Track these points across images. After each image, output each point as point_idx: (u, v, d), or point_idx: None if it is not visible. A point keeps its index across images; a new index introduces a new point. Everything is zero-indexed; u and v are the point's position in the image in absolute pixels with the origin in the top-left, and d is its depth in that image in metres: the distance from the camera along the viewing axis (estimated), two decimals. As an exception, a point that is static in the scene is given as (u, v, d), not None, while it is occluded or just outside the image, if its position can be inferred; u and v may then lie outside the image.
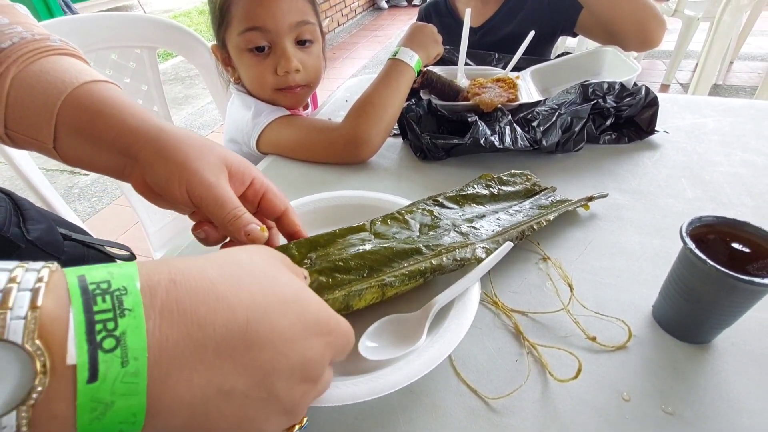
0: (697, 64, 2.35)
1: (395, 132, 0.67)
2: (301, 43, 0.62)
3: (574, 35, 0.85)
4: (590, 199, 0.48)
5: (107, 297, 0.16)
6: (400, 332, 0.33)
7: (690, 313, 0.32)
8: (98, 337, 0.15)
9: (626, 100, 0.60)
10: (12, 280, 0.15)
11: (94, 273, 0.17)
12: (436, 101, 0.62)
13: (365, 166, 0.60)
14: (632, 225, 0.46)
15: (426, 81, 0.65)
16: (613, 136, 0.61)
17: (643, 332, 0.35)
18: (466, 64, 0.76)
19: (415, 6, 4.74)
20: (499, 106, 0.61)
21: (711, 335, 0.33)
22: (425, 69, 0.66)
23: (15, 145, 0.34)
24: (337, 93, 0.88)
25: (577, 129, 0.58)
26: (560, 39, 0.93)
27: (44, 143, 0.33)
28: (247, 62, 0.61)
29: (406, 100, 0.62)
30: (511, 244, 0.39)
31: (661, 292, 0.35)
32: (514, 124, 0.58)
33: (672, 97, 0.73)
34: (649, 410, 0.30)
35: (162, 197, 0.32)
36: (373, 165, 0.60)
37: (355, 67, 3.34)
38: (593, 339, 0.34)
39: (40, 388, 0.14)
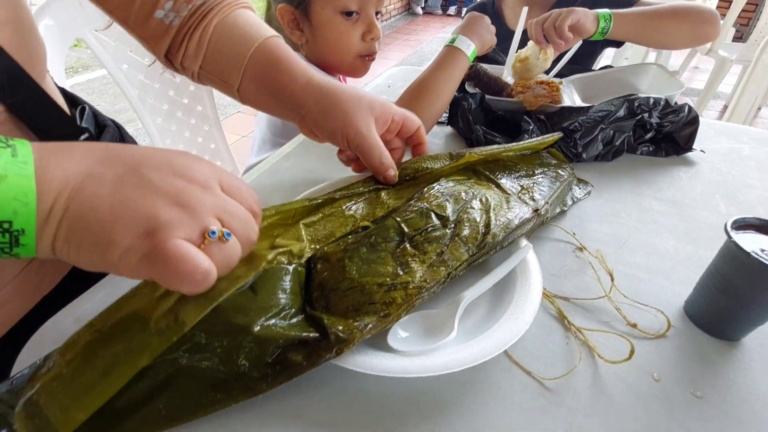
0: (726, 106, 2.35)
1: (440, 120, 0.68)
2: (376, 14, 0.67)
3: (619, 45, 0.86)
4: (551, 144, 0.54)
5: (1, 138, 0.21)
6: (428, 327, 0.33)
7: (725, 308, 0.34)
8: None
9: (669, 117, 0.61)
10: None
11: None
12: (488, 96, 0.64)
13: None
14: (666, 230, 0.48)
15: (473, 74, 0.67)
16: (651, 149, 0.62)
17: (675, 325, 0.36)
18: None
19: (449, 15, 4.79)
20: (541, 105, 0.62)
21: (742, 332, 0.34)
22: (473, 63, 0.68)
23: (200, 82, 0.44)
24: (379, 80, 0.90)
25: (617, 143, 0.60)
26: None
27: (231, 85, 0.42)
28: (338, 25, 0.66)
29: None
30: (530, 246, 0.40)
31: (696, 288, 0.36)
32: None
33: (709, 122, 0.75)
34: (678, 392, 0.31)
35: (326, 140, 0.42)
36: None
37: (385, 68, 3.38)
38: (634, 325, 0.35)
39: None
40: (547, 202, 0.44)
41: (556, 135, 0.54)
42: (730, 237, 0.32)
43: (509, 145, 0.50)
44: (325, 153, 0.56)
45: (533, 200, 0.44)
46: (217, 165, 0.27)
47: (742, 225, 0.34)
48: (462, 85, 0.69)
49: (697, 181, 0.58)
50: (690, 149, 0.62)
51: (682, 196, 0.54)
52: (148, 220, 0.22)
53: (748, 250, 0.30)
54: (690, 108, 0.62)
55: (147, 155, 0.24)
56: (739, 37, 3.84)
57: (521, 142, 0.51)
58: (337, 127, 0.40)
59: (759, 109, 2.87)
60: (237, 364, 0.28)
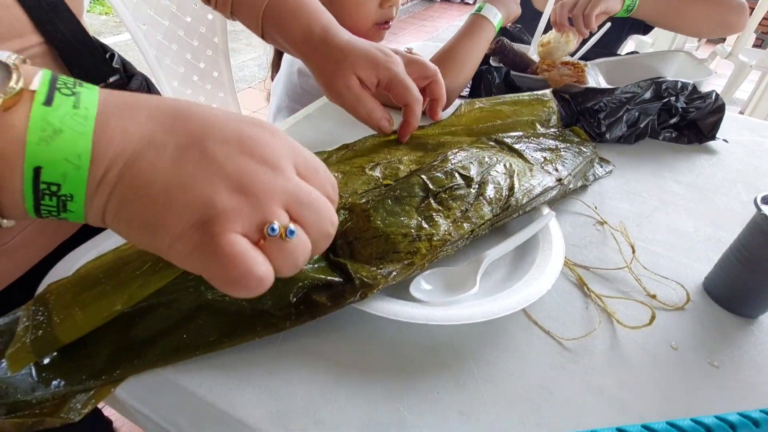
0: (741, 112, 2.33)
1: (462, 93, 0.68)
2: None
3: (645, 32, 0.85)
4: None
5: (72, 80, 0.19)
6: (450, 283, 0.33)
7: (747, 283, 0.33)
8: (59, 86, 0.18)
9: (696, 102, 0.60)
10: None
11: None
12: (513, 72, 0.63)
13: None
14: (687, 212, 0.47)
15: (499, 49, 0.66)
16: (673, 135, 0.62)
17: (694, 300, 0.36)
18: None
19: (467, 4, 4.71)
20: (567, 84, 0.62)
21: (762, 310, 0.34)
22: (499, 38, 0.67)
23: (235, 20, 0.47)
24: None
25: (642, 125, 0.59)
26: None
27: (257, 33, 0.46)
28: None
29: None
30: (553, 214, 0.40)
31: (717, 264, 0.36)
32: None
33: (732, 115, 0.73)
34: (695, 360, 0.31)
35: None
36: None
37: (398, 52, 3.34)
38: (653, 296, 0.35)
39: (9, 90, 0.17)
40: (570, 174, 0.44)
41: (548, 92, 0.56)
42: (759, 210, 0.32)
43: (505, 96, 0.53)
44: (343, 117, 0.55)
45: (556, 171, 0.44)
46: (296, 141, 0.22)
47: (772, 200, 0.33)
48: (486, 59, 0.69)
49: (718, 168, 0.57)
50: (713, 137, 0.61)
51: (704, 181, 0.54)
52: (205, 208, 0.18)
53: (780, 224, 0.30)
54: (717, 95, 0.61)
55: (217, 124, 0.20)
56: (759, 45, 3.78)
57: (517, 94, 0.54)
58: (326, 85, 0.43)
59: (775, 117, 2.83)
60: (261, 301, 0.29)
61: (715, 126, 0.61)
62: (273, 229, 0.19)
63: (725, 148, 0.62)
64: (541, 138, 0.50)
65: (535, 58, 0.70)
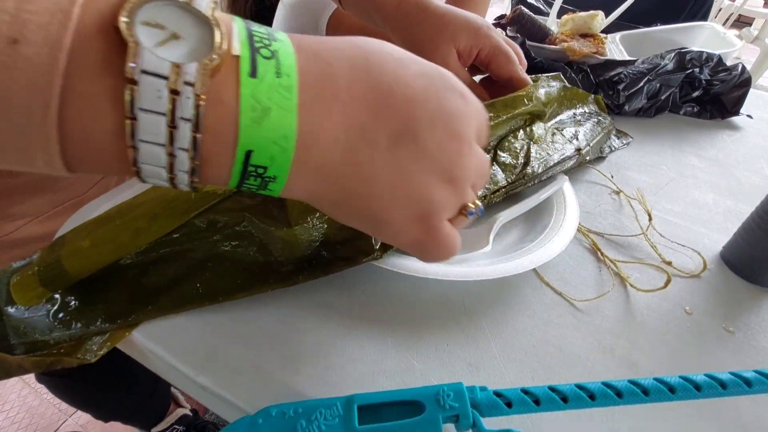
0: None
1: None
2: None
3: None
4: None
5: (263, 29, 0.17)
6: (463, 243, 0.32)
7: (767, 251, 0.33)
8: (257, 44, 0.16)
9: (721, 74, 0.58)
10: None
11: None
12: (529, 42, 0.61)
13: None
14: (707, 185, 0.46)
15: (516, 18, 0.64)
16: (695, 110, 0.60)
17: (710, 268, 0.35)
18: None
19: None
20: (586, 54, 0.60)
21: (781, 279, 0.34)
22: (517, 6, 0.65)
23: None
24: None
25: (663, 97, 0.57)
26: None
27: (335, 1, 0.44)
28: None
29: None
30: (566, 177, 0.39)
31: (737, 233, 0.35)
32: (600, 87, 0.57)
33: (757, 92, 0.71)
34: (710, 325, 0.31)
35: None
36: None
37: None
38: (669, 263, 0.35)
39: (215, 57, 0.14)
40: (588, 144, 0.43)
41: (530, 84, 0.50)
42: (786, 174, 0.31)
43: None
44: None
45: (576, 139, 0.42)
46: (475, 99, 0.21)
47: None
48: (504, 29, 0.67)
49: (741, 144, 0.56)
50: (737, 113, 0.59)
51: (725, 156, 0.52)
52: (424, 203, 0.19)
53: (806, 186, 0.29)
54: (743, 68, 0.58)
55: (418, 98, 0.19)
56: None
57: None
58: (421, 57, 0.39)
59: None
60: (274, 254, 0.29)
61: (740, 101, 0.59)
62: (471, 213, 0.21)
63: (749, 124, 0.60)
64: (563, 106, 0.48)
65: (554, 29, 0.68)
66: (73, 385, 0.66)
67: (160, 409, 0.86)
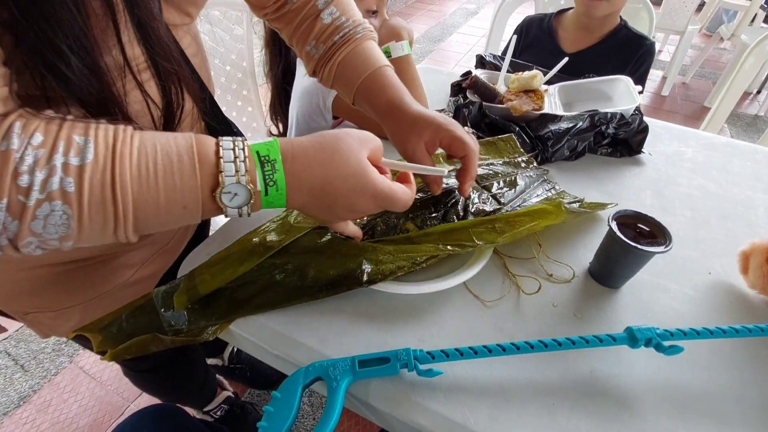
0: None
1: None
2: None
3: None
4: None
5: (267, 165, 0.38)
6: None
7: (609, 267, 0.53)
8: (268, 181, 0.38)
9: (623, 128, 0.78)
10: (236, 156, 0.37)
11: (260, 147, 0.38)
12: (484, 103, 0.81)
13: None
14: (592, 216, 0.66)
15: (473, 84, 0.84)
16: (609, 150, 0.80)
17: (580, 277, 0.56)
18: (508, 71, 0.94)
19: (475, -15, 4.71)
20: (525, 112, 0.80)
21: (620, 283, 0.54)
22: (474, 75, 0.85)
23: (328, 86, 0.59)
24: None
25: (579, 149, 0.77)
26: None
27: (348, 101, 0.58)
28: None
29: (455, 96, 0.82)
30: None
31: (595, 255, 0.56)
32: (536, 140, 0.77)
33: (667, 125, 0.90)
34: (566, 314, 0.51)
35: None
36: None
37: (407, 41, 3.44)
38: (550, 276, 0.55)
39: (252, 201, 0.38)
40: (513, 198, 0.64)
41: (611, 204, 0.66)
42: (609, 224, 0.51)
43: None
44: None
45: (499, 203, 0.63)
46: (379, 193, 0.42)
47: (622, 215, 0.52)
48: (464, 91, 0.87)
49: (637, 178, 0.75)
50: (640, 152, 0.79)
51: (620, 189, 0.72)
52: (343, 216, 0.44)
53: (618, 232, 0.49)
54: (641, 120, 0.78)
55: (340, 196, 0.41)
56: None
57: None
58: (398, 144, 0.53)
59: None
60: (307, 281, 0.50)
61: (641, 143, 0.79)
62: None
63: (651, 160, 0.80)
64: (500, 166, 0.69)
65: (503, 88, 0.88)
66: (154, 377, 0.89)
67: (209, 394, 1.09)
